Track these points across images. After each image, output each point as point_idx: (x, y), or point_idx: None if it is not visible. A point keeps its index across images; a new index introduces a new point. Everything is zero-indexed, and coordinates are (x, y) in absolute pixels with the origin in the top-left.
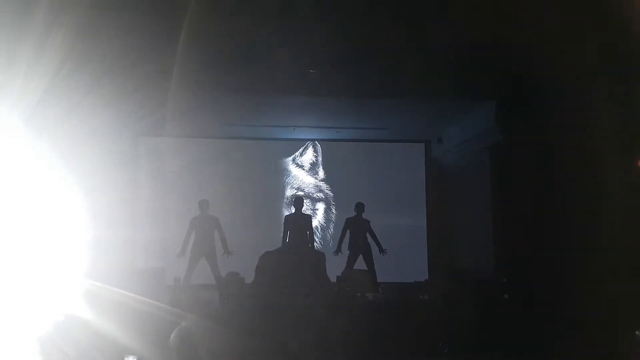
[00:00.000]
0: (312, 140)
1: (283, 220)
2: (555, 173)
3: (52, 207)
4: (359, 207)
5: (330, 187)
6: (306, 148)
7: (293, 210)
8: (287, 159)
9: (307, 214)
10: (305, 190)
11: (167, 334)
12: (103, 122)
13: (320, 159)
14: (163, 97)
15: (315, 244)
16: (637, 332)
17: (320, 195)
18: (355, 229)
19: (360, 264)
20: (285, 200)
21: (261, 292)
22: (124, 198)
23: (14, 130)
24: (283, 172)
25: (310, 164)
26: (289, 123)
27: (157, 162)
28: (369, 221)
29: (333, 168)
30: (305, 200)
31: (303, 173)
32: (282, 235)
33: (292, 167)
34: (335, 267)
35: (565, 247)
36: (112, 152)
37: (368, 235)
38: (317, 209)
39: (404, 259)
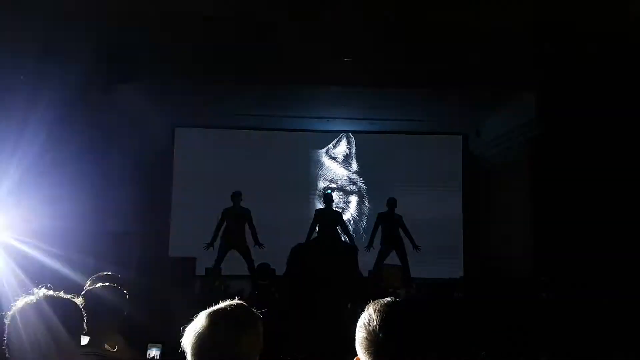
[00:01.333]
0: (346, 131)
1: (313, 214)
2: (599, 167)
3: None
4: (391, 202)
5: (364, 179)
6: (340, 140)
7: (324, 206)
8: (320, 150)
9: (337, 210)
10: (338, 182)
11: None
12: (140, 112)
13: (354, 151)
14: (199, 88)
15: (350, 238)
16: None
17: (354, 187)
18: (387, 225)
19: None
20: (318, 192)
21: (292, 284)
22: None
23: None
24: (316, 164)
25: (344, 156)
26: (322, 114)
27: (192, 153)
28: (401, 216)
29: (367, 160)
30: (338, 193)
31: (336, 165)
32: (309, 228)
33: (325, 159)
34: (367, 262)
35: (610, 246)
36: (149, 143)
37: (401, 230)
38: (349, 202)
39: (439, 255)
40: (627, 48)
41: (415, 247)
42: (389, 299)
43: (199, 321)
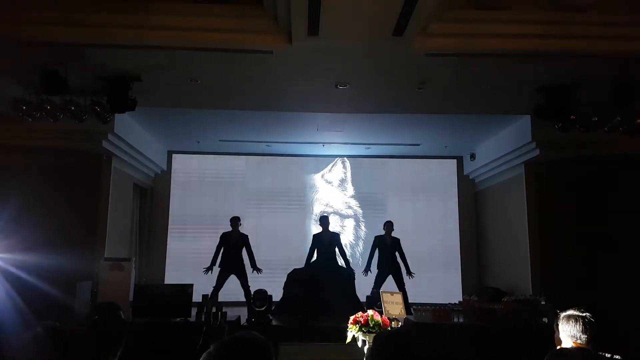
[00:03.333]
0: (342, 156)
1: (311, 239)
2: (596, 189)
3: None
4: (388, 225)
5: (360, 203)
6: (335, 164)
7: (320, 229)
8: (316, 175)
9: (334, 232)
10: (334, 206)
11: (188, 349)
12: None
13: (349, 175)
14: (194, 116)
15: (347, 262)
16: None
17: (349, 212)
18: (385, 248)
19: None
20: (314, 216)
21: (289, 309)
22: (158, 212)
23: None
24: (312, 188)
25: (340, 180)
26: (318, 140)
27: (189, 178)
28: (398, 239)
29: (362, 185)
30: (334, 217)
31: (332, 189)
32: (308, 253)
33: (321, 183)
34: (364, 286)
35: (609, 267)
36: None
37: (398, 254)
38: (345, 226)
39: (437, 278)
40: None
41: (409, 273)
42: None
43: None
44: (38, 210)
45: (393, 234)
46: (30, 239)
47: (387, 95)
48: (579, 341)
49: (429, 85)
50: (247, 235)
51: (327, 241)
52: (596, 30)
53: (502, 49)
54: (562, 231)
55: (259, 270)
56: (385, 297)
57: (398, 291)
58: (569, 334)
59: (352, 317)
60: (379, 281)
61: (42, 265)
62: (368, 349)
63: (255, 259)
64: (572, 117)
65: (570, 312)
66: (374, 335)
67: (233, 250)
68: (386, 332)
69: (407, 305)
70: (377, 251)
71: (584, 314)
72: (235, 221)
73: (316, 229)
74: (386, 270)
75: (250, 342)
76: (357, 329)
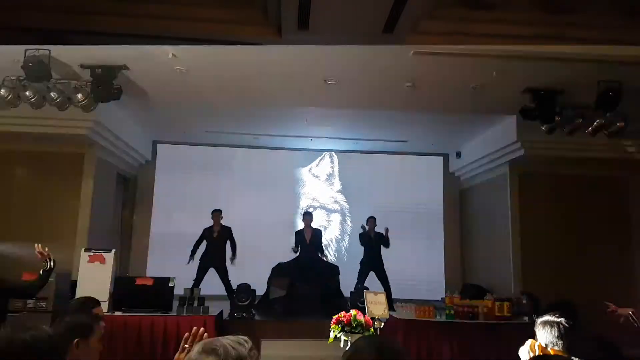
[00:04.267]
0: (329, 151)
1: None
2: (578, 190)
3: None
4: (371, 221)
5: (346, 198)
6: (322, 159)
7: (303, 225)
8: (303, 169)
9: (316, 228)
10: (321, 201)
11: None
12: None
13: (336, 169)
14: (180, 106)
15: (325, 256)
16: None
17: (336, 206)
18: (369, 244)
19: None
20: (300, 210)
21: (272, 304)
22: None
23: None
24: (299, 182)
25: (327, 175)
26: (306, 133)
27: (173, 170)
28: (381, 234)
29: (349, 179)
30: (320, 211)
31: (319, 183)
32: (292, 247)
33: (308, 177)
34: (349, 281)
35: (589, 269)
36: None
37: (383, 247)
38: (331, 221)
39: (420, 275)
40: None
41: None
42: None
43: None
44: (18, 199)
45: (377, 230)
46: (8, 227)
47: (375, 91)
48: (555, 347)
49: (418, 83)
50: (230, 228)
51: (309, 237)
52: (584, 33)
53: (491, 49)
54: (544, 231)
55: (233, 260)
56: (369, 297)
57: (382, 291)
58: (545, 341)
59: (334, 317)
60: (362, 276)
61: (20, 255)
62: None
63: (239, 251)
64: (557, 119)
65: (545, 317)
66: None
67: (215, 244)
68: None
69: (391, 301)
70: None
71: (559, 320)
72: (216, 214)
73: (301, 223)
74: (369, 266)
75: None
76: (339, 329)
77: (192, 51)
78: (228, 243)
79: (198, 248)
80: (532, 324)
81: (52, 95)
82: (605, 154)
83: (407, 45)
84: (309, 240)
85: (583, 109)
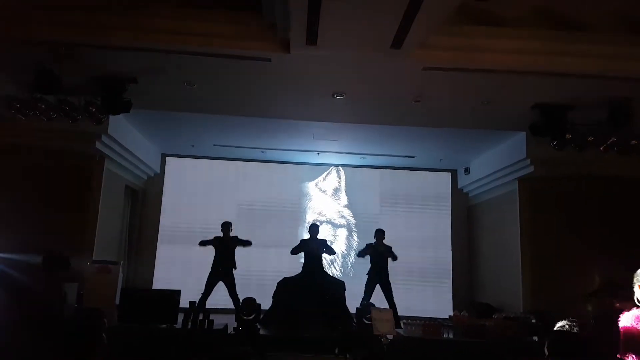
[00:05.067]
0: (336, 165)
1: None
2: (589, 207)
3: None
4: (380, 233)
5: (353, 213)
6: (329, 173)
7: (308, 236)
8: (309, 183)
9: (322, 239)
10: (327, 215)
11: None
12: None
13: (343, 184)
14: (189, 120)
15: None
16: None
17: (342, 221)
18: (376, 256)
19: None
20: (306, 225)
21: (277, 318)
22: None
23: None
24: (306, 197)
25: (333, 189)
26: (313, 148)
27: (181, 182)
28: (390, 247)
29: (356, 194)
30: (326, 226)
31: (325, 198)
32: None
33: (315, 192)
34: (355, 297)
35: (600, 287)
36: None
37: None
38: (338, 235)
39: (427, 292)
40: None
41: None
42: None
43: None
44: (27, 211)
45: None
46: (18, 239)
47: (383, 106)
48: None
49: (426, 98)
50: (236, 236)
51: (314, 248)
52: (594, 50)
53: (499, 65)
54: (554, 248)
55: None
56: (375, 315)
57: (388, 308)
58: None
59: None
60: (369, 290)
61: (29, 266)
62: None
63: (246, 269)
64: (567, 135)
65: None
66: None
67: (224, 255)
68: None
69: (397, 317)
70: (369, 259)
71: None
72: (226, 226)
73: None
74: (375, 280)
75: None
76: None
77: (201, 65)
78: (236, 253)
79: (208, 244)
80: (542, 344)
81: (63, 107)
82: (617, 171)
83: (416, 60)
84: (313, 252)
85: (594, 126)
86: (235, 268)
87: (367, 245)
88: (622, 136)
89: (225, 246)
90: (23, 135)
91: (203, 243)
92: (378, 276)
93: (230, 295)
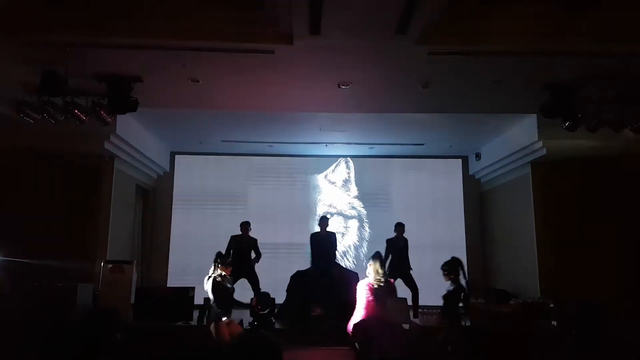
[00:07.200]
0: (345, 156)
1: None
2: (604, 189)
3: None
4: (400, 227)
5: (364, 204)
6: (338, 165)
7: (318, 229)
8: (319, 175)
9: (330, 232)
10: (338, 207)
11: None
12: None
13: (352, 175)
14: (196, 117)
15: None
16: None
17: (353, 212)
18: (397, 250)
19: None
20: (317, 217)
21: (291, 312)
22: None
23: None
24: (315, 189)
25: (343, 181)
26: (321, 140)
27: (191, 180)
28: (406, 240)
29: (366, 185)
30: (337, 218)
31: (335, 190)
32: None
33: (324, 184)
34: None
35: (616, 269)
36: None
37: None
38: (349, 227)
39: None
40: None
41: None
42: None
43: None
44: (40, 212)
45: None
46: (32, 241)
47: (390, 94)
48: None
49: (433, 84)
50: (256, 239)
51: (324, 241)
52: (604, 28)
53: (508, 47)
54: (569, 231)
55: (256, 261)
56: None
57: (404, 297)
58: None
59: None
60: None
61: (43, 267)
62: None
63: (259, 261)
64: (579, 115)
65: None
66: None
67: (243, 254)
68: None
69: (417, 307)
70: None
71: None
72: (245, 226)
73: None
74: (396, 274)
75: (264, 340)
76: None
77: (205, 60)
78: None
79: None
80: (560, 327)
81: (70, 109)
82: (631, 150)
83: (422, 45)
84: (323, 245)
85: (605, 105)
86: (257, 262)
87: (386, 243)
88: (634, 114)
89: (245, 246)
90: (32, 138)
91: (227, 253)
92: (399, 270)
93: (254, 291)
